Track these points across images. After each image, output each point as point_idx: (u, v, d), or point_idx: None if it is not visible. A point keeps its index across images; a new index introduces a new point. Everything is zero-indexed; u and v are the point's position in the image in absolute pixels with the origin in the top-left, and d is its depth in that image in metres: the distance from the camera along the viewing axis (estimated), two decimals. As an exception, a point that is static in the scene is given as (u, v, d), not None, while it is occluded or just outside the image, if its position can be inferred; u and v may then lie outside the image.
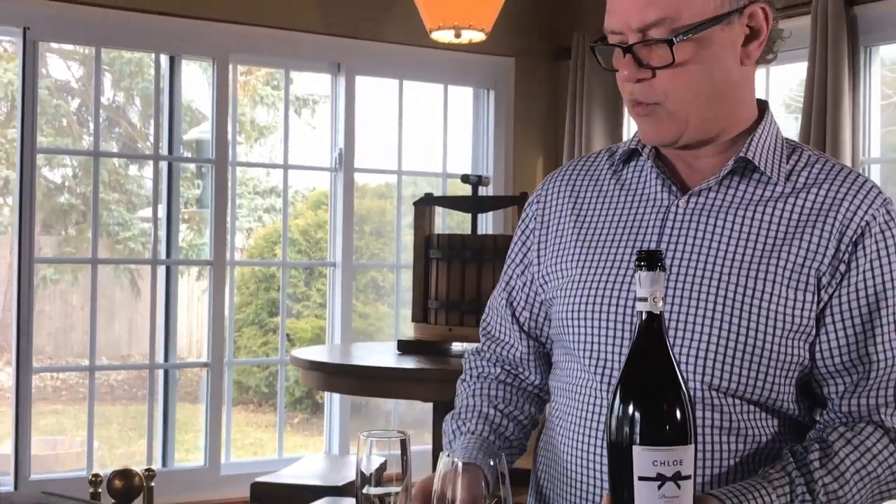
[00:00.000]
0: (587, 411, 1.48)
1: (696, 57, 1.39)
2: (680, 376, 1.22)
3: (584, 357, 1.48)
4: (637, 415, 1.21)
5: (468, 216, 3.63)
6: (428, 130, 4.73)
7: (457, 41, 3.84)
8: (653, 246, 1.47)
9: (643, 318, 1.22)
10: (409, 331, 3.61)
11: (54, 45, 3.99)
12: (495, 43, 4.41)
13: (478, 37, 3.82)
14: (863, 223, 1.43)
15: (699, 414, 1.40)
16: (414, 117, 4.65)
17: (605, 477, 1.40)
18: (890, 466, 1.42)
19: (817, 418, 1.52)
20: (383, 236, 5.53)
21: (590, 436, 1.47)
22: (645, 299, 1.21)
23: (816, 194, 1.45)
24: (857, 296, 1.42)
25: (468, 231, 3.61)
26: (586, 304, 1.49)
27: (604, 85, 4.45)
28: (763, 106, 1.51)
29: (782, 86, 4.13)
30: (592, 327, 1.48)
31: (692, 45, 1.38)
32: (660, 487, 1.18)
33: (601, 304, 1.48)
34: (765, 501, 1.34)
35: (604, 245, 1.52)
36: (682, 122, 1.43)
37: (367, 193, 5.50)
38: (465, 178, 3.57)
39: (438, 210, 3.67)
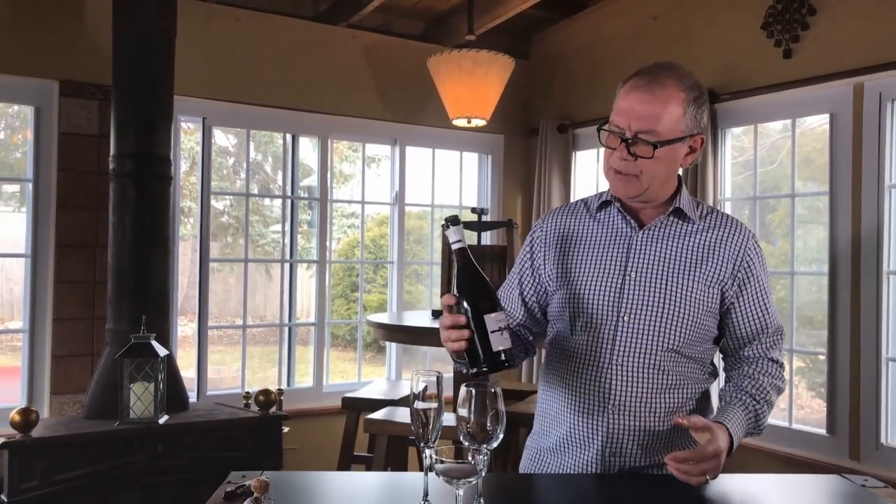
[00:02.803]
0: (582, 354, 1.51)
1: (663, 156, 1.43)
2: (485, 276, 1.39)
3: (577, 326, 1.52)
4: (483, 299, 1.36)
5: (475, 233, 3.63)
6: (450, 180, 4.74)
7: (468, 125, 3.85)
8: (620, 261, 1.52)
9: (461, 251, 1.38)
10: (438, 304, 3.60)
11: (220, 127, 4.03)
12: (492, 126, 4.43)
13: (481, 122, 3.83)
14: (746, 253, 1.52)
15: (655, 376, 1.47)
16: (441, 172, 4.67)
17: (607, 384, 1.47)
18: (780, 377, 1.54)
19: (716, 361, 1.60)
20: (422, 244, 5.53)
21: (591, 364, 1.50)
22: (459, 241, 1.38)
23: (717, 233, 1.52)
24: (753, 294, 1.51)
25: (475, 242, 3.61)
26: (581, 295, 1.52)
27: (557, 152, 4.45)
28: (679, 179, 1.57)
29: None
30: (584, 308, 1.51)
31: (664, 149, 1.43)
32: (501, 334, 1.34)
33: (590, 294, 1.51)
34: (738, 416, 1.44)
35: (592, 259, 1.54)
36: (643, 187, 1.47)
37: (412, 217, 5.49)
38: (473, 210, 3.57)
39: (456, 229, 3.66)
